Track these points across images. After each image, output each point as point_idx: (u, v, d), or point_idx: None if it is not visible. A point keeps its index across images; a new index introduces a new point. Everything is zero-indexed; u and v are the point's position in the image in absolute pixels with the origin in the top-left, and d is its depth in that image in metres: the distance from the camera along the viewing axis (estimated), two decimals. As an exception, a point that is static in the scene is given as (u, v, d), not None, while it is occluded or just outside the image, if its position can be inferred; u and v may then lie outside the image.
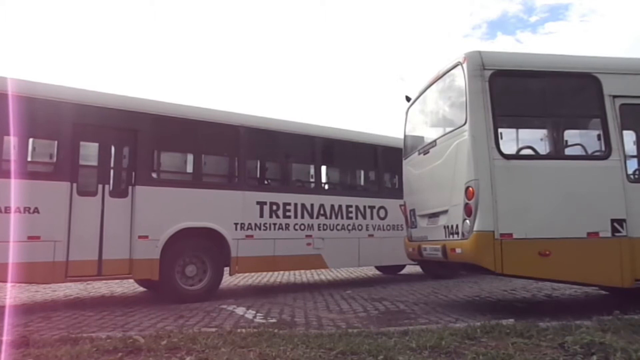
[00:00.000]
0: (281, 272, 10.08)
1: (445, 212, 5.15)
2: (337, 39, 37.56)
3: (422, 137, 6.26)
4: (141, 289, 7.64)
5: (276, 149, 7.83)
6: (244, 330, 3.83)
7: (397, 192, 8.79)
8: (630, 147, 5.27)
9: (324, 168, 8.30)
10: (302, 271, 10.72)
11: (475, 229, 4.55)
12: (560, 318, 4.15)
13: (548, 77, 5.10)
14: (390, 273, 9.96)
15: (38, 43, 34.16)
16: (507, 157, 4.68)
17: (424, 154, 5.82)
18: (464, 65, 4.87)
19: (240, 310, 5.45)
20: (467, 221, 4.64)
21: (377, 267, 10.10)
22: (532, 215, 4.60)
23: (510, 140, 5.22)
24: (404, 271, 10.10)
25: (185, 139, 6.83)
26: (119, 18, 31.97)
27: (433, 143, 5.59)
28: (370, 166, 8.98)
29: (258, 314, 5.23)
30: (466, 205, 4.66)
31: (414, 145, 6.39)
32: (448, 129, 5.33)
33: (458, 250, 4.80)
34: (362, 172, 9.38)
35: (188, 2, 35.08)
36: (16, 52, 30.78)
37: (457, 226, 4.85)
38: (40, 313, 5.18)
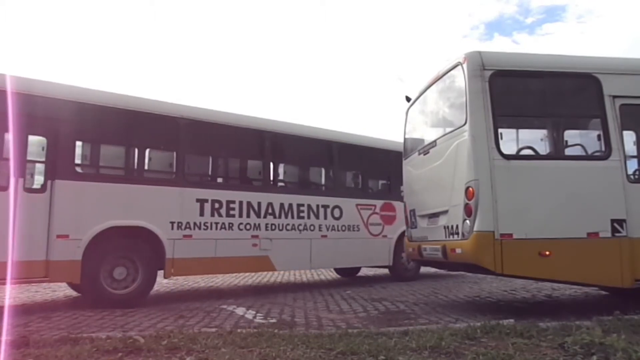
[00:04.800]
0: (281, 273, 10.05)
1: (445, 212, 5.15)
2: (336, 40, 37.60)
3: (422, 138, 6.26)
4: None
5: (219, 143, 7.27)
6: (244, 330, 3.83)
7: (353, 191, 8.55)
8: (630, 147, 5.26)
9: (272, 164, 7.65)
10: (302, 271, 10.70)
11: (475, 229, 4.55)
12: (560, 318, 4.15)
13: (548, 77, 5.10)
14: (348, 275, 9.72)
15: (36, 42, 34.16)
16: (507, 157, 4.68)
17: (424, 154, 5.82)
18: (464, 65, 4.87)
19: (240, 311, 5.45)
20: (467, 221, 4.64)
21: (335, 270, 9.90)
22: (532, 216, 4.61)
23: (510, 140, 5.22)
24: (361, 273, 9.97)
25: (116, 131, 6.23)
26: (119, 18, 31.98)
27: (433, 143, 5.59)
28: (324, 163, 8.47)
29: (258, 314, 5.23)
30: (466, 206, 4.66)
31: (414, 146, 6.39)
32: (448, 129, 5.33)
33: (458, 251, 4.80)
34: (316, 170, 8.79)
35: (188, 2, 35.10)
36: (14, 52, 30.79)
37: (457, 226, 4.85)
38: (40, 313, 5.18)
